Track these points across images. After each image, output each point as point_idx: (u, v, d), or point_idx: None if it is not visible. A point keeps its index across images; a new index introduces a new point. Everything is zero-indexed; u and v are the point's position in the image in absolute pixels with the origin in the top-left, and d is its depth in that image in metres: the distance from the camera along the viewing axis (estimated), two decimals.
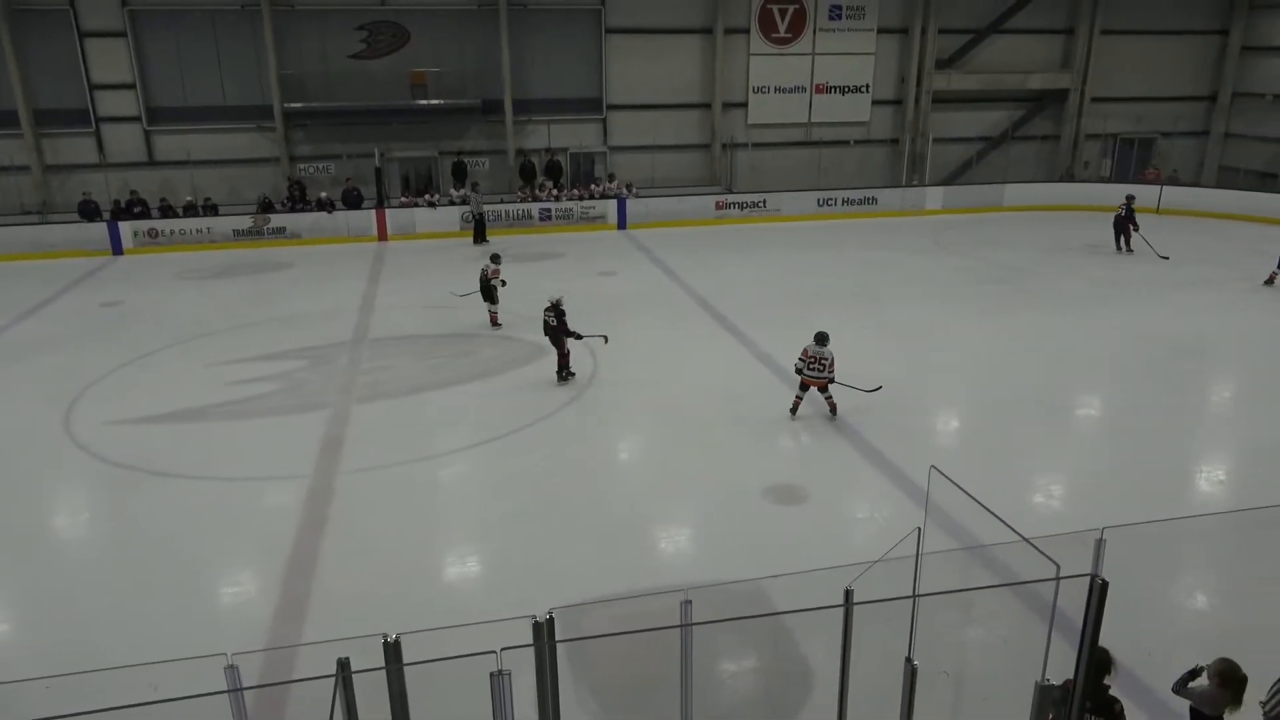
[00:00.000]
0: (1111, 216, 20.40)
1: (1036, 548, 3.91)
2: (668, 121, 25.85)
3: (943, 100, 26.86)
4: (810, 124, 26.82)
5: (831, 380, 10.60)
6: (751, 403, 11.42)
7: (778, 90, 26.40)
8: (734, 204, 24.72)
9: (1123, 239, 20.10)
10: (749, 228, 23.93)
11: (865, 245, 21.38)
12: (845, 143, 26.98)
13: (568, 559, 7.87)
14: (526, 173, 24.64)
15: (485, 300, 14.78)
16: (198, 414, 11.26)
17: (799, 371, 10.67)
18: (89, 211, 21.78)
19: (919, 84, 26.58)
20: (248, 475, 9.53)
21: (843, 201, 25.21)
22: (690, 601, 4.26)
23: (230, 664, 3.70)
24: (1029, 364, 12.97)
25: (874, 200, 25.40)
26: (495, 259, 14.72)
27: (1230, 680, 4.78)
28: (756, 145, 26.36)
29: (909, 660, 4.58)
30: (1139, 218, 19.99)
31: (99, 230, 21.47)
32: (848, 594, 4.41)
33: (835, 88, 26.69)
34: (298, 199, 22.98)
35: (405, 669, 3.76)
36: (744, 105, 26.30)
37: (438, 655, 3.57)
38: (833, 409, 10.73)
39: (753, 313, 15.35)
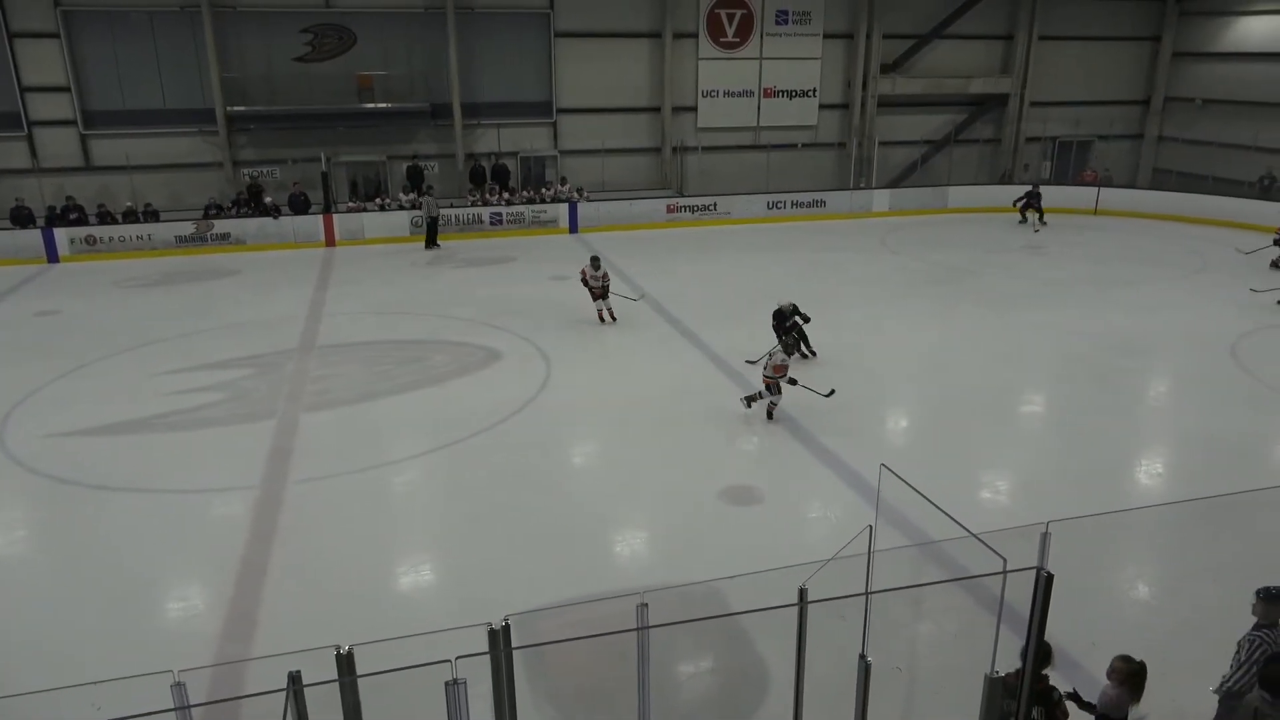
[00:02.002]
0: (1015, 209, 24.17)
1: (984, 542, 3.99)
2: (618, 125, 25.91)
3: (888, 104, 27.32)
4: (759, 128, 27.10)
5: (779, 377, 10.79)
6: (706, 405, 11.48)
7: (727, 94, 26.63)
8: (685, 207, 24.86)
9: (1027, 213, 23.81)
10: (700, 231, 24.07)
11: (814, 247, 21.65)
12: (793, 146, 27.30)
13: (523, 565, 7.83)
14: (476, 177, 24.49)
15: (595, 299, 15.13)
16: (140, 425, 10.98)
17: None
18: (22, 218, 21.07)
19: (864, 88, 27.01)
20: (193, 487, 9.32)
21: (792, 204, 25.52)
22: (646, 605, 4.27)
23: (177, 681, 3.61)
24: (974, 363, 13.24)
25: (822, 203, 25.75)
26: (593, 263, 14.98)
27: (1130, 676, 4.83)
28: (706, 149, 26.54)
29: (863, 657, 4.65)
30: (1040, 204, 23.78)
31: (33, 237, 20.79)
32: (802, 593, 4.46)
33: (783, 92, 27.00)
34: (245, 203, 22.54)
35: (359, 681, 3.71)
36: (693, 109, 26.47)
37: (392, 666, 3.53)
38: (749, 402, 11.05)
39: (705, 315, 15.45)
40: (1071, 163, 28.82)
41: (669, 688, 6.24)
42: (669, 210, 24.69)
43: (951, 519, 4.65)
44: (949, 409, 11.49)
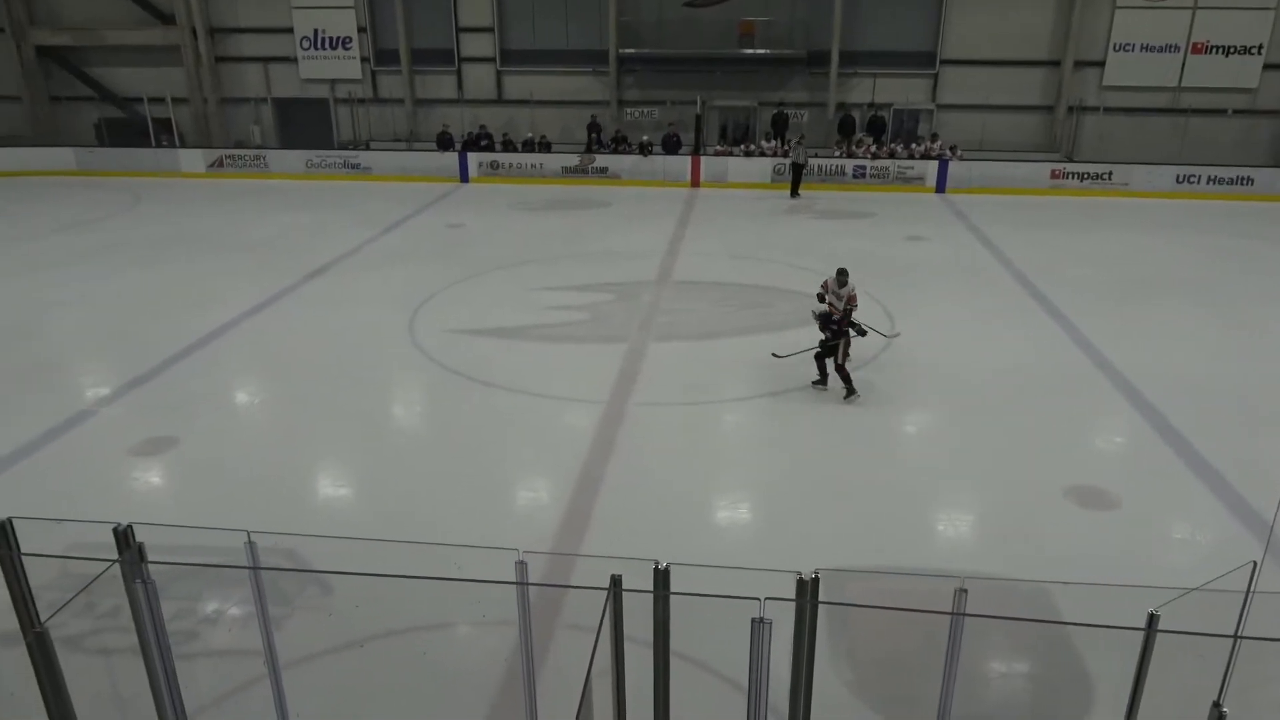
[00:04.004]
0: None
1: None
2: (1006, 80, 23.92)
3: None
4: (1179, 88, 23.55)
5: None
6: (1064, 392, 10.43)
7: (1144, 49, 23.40)
8: (1073, 174, 22.44)
9: None
10: (1088, 201, 21.65)
11: (1231, 233, 18.53)
12: (1221, 112, 23.40)
13: (834, 521, 7.75)
14: (845, 127, 24.01)
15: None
16: (515, 332, 12.38)
17: None
18: (445, 142, 24.50)
19: None
20: (552, 394, 10.35)
21: (1208, 180, 21.97)
22: (966, 591, 4.03)
23: (521, 559, 4.06)
24: None
25: (1249, 181, 21.88)
26: (840, 277, 10.26)
27: None
28: (1109, 110, 23.65)
29: (1217, 705, 4.02)
30: None
31: (451, 159, 24.09)
32: (1152, 618, 3.94)
33: (1218, 48, 23.14)
34: (620, 139, 24.20)
35: (671, 597, 3.92)
36: (1100, 64, 23.62)
37: (701, 591, 3.69)
38: None
39: (1078, 295, 13.95)
40: None
41: (976, 680, 5.89)
42: (1053, 176, 22.45)
43: None
44: None
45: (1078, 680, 5.95)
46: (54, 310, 13.30)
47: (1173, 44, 23.23)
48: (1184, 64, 23.35)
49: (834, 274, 10.33)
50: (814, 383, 10.31)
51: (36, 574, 3.98)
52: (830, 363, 10.06)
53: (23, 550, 3.91)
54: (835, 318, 9.94)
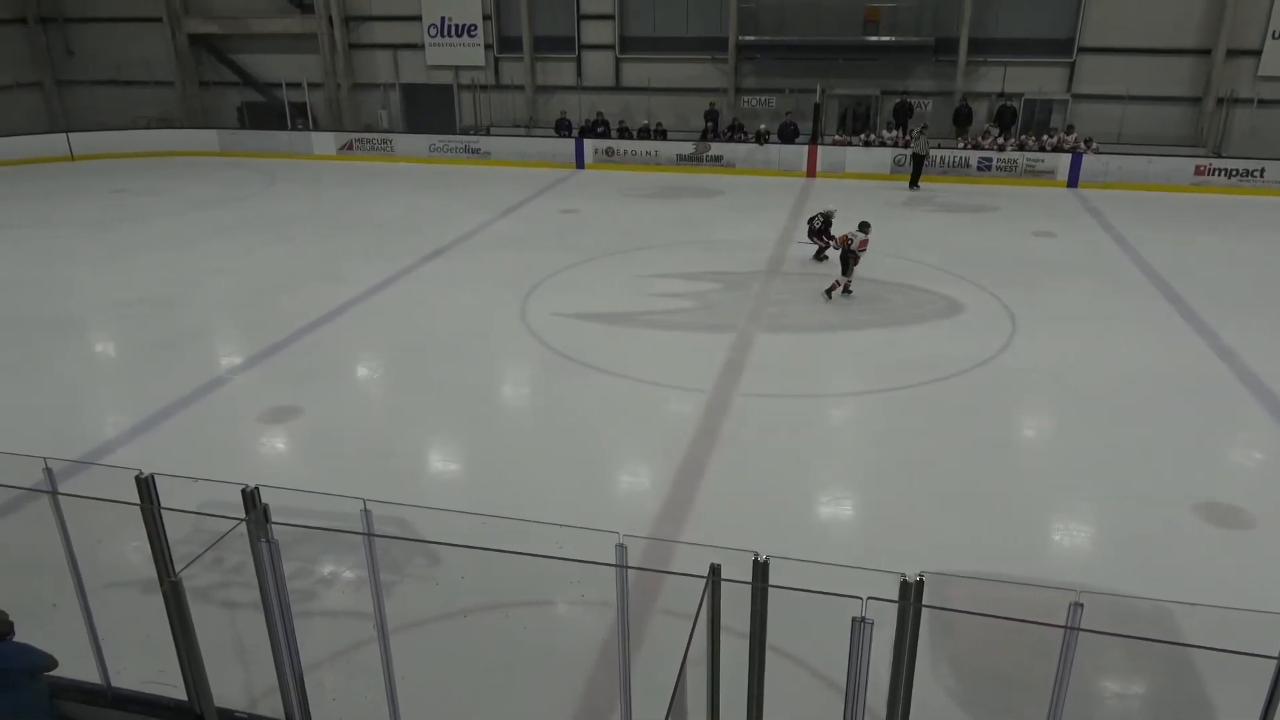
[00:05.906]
0: None
1: None
2: (1149, 68, 22.53)
3: None
4: None
5: None
6: (1198, 402, 9.82)
7: None
8: (1220, 170, 21.00)
9: None
10: (1235, 200, 20.24)
11: None
12: None
13: (940, 524, 7.53)
14: (960, 119, 23.13)
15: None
16: (623, 318, 12.48)
17: None
18: (563, 128, 24.84)
19: None
20: (657, 381, 10.40)
21: None
22: (1082, 605, 3.85)
23: (621, 543, 4.11)
24: None
25: None
26: (862, 228, 13.11)
27: None
28: (1264, 103, 21.99)
29: None
30: None
31: (567, 145, 24.40)
32: None
33: None
34: (736, 128, 23.99)
35: (770, 589, 3.90)
36: (1256, 53, 21.96)
37: (800, 586, 3.65)
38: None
39: (1220, 300, 13.08)
40: None
41: (1088, 698, 5.65)
42: (1197, 172, 21.07)
43: None
44: None
45: (1198, 707, 5.63)
46: (195, 282, 14.19)
47: None
48: None
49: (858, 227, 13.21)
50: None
51: (172, 528, 4.28)
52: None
53: (162, 505, 4.20)
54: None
